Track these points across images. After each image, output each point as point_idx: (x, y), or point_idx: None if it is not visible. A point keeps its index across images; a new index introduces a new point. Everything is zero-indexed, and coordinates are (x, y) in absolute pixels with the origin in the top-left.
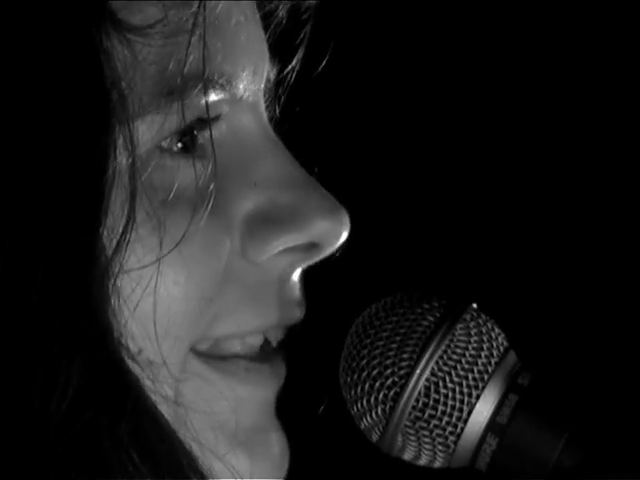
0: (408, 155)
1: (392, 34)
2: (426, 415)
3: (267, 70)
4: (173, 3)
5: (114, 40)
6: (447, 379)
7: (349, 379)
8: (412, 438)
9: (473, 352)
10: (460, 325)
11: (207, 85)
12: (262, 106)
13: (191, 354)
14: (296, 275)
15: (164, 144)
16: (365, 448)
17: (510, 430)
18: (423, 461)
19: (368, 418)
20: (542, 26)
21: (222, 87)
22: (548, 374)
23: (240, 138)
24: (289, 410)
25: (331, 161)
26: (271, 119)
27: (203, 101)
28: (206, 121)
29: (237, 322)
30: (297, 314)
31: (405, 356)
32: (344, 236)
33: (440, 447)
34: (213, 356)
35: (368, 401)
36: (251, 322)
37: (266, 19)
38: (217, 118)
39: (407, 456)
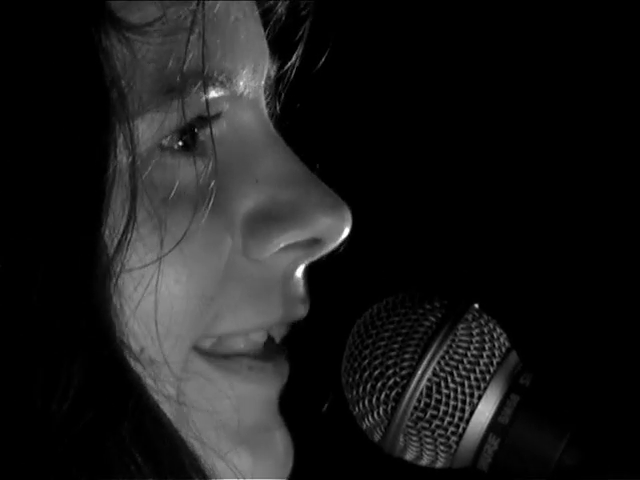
0: (410, 153)
1: (391, 29)
2: (428, 415)
3: (267, 67)
4: (171, 1)
5: (113, 39)
6: (449, 379)
7: (351, 379)
8: (414, 438)
9: (475, 352)
10: (462, 325)
11: (207, 82)
12: (263, 103)
13: (193, 353)
14: (299, 272)
15: (164, 142)
16: (367, 448)
17: (512, 430)
18: (425, 461)
19: (370, 418)
20: (542, 26)
21: (222, 84)
22: (550, 374)
23: (241, 135)
24: (291, 411)
25: (333, 158)
26: (272, 116)
27: (203, 99)
28: (206, 119)
29: (239, 320)
30: (301, 311)
31: (407, 356)
32: (346, 232)
33: (442, 447)
34: (216, 354)
35: (370, 401)
36: (253, 320)
37: (265, 16)
38: (217, 116)
39: (409, 456)
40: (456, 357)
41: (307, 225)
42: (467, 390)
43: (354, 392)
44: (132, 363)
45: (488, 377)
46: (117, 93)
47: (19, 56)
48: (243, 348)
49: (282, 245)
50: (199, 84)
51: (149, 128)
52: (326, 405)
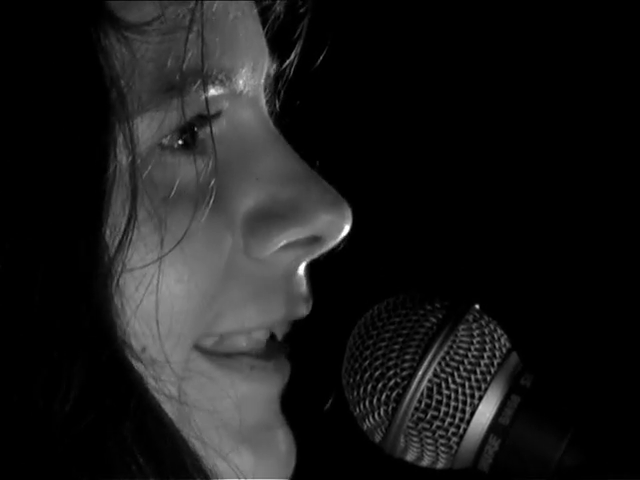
0: (411, 153)
1: (390, 26)
2: (429, 416)
3: (267, 65)
4: (170, 1)
5: (112, 38)
6: (450, 380)
7: (352, 380)
8: (415, 439)
9: (475, 353)
10: (462, 326)
11: (206, 81)
12: (262, 101)
13: (195, 352)
14: (301, 270)
15: (165, 141)
16: (368, 449)
17: (512, 431)
18: (426, 462)
19: (371, 419)
20: (542, 26)
21: (222, 83)
22: (550, 375)
23: (241, 133)
24: (291, 412)
25: (333, 156)
26: (271, 114)
27: (203, 97)
28: (206, 117)
29: (241, 319)
30: (304, 310)
31: (407, 357)
32: (346, 229)
33: (442, 448)
34: (217, 353)
35: (371, 402)
36: (256, 319)
37: (263, 14)
38: (217, 114)
39: (410, 457)
40: (457, 358)
41: (308, 223)
42: (468, 391)
43: (355, 393)
44: (133, 363)
45: (489, 378)
46: (116, 93)
47: (18, 57)
48: (245, 347)
49: (283, 243)
50: (199, 82)
51: (149, 127)
52: (328, 404)
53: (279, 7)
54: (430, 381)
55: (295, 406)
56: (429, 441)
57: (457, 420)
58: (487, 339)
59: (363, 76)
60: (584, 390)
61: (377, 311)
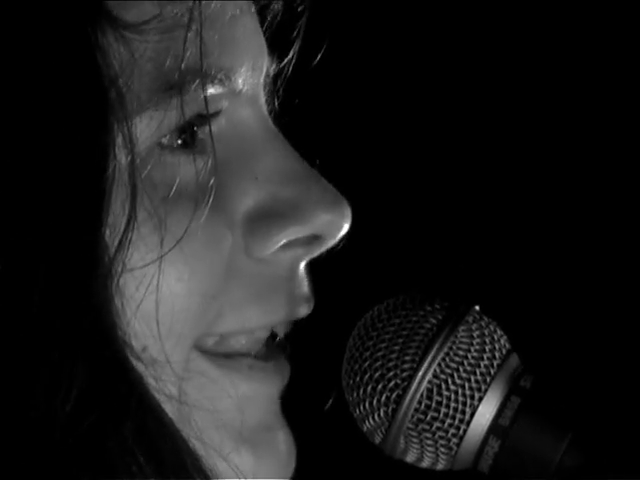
0: (411, 153)
1: (389, 24)
2: (428, 417)
3: (266, 64)
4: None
5: (110, 38)
6: (449, 381)
7: (351, 381)
8: (414, 440)
9: (475, 354)
10: (462, 327)
11: (205, 80)
12: (262, 99)
13: (195, 352)
14: (302, 270)
15: (164, 141)
16: (368, 450)
17: (512, 432)
18: (425, 463)
19: (371, 420)
20: (542, 26)
21: (221, 82)
22: (550, 376)
23: (240, 132)
24: (291, 413)
25: (333, 157)
26: (271, 112)
27: (202, 96)
28: (205, 116)
29: (242, 319)
30: (305, 310)
31: (407, 358)
32: (346, 228)
33: (442, 449)
34: (217, 354)
35: (371, 403)
36: (257, 319)
37: (262, 13)
38: (217, 113)
39: (410, 458)
40: (457, 359)
41: (307, 222)
42: (468, 392)
43: (355, 394)
44: (134, 363)
45: (489, 379)
46: (115, 92)
47: (16, 57)
48: (245, 344)
49: (283, 242)
50: (198, 81)
51: (148, 127)
52: (329, 404)
53: (277, 5)
54: (430, 382)
55: (295, 407)
56: (429, 442)
57: (457, 421)
58: (487, 340)
59: (362, 74)
60: (584, 391)
61: (377, 312)
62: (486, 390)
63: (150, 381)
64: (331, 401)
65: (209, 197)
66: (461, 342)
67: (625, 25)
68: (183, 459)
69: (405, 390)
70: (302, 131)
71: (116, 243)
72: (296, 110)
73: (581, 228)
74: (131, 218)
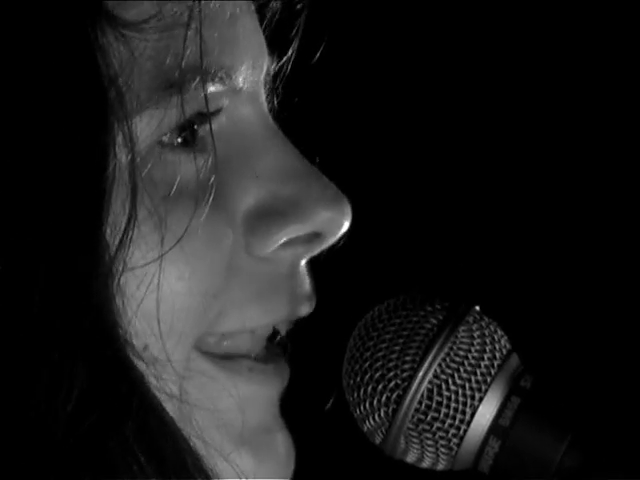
0: (411, 153)
1: (388, 21)
2: (429, 418)
3: (266, 62)
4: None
5: (109, 37)
6: (450, 382)
7: (352, 381)
8: (415, 440)
9: (476, 355)
10: (463, 327)
11: (206, 78)
12: (262, 97)
13: (195, 352)
14: (303, 268)
15: (164, 139)
16: (368, 450)
17: (513, 432)
18: (426, 463)
19: (371, 420)
20: (542, 26)
21: (221, 80)
22: (550, 377)
23: (240, 129)
24: (292, 413)
25: (334, 155)
26: (271, 110)
27: (202, 94)
28: (206, 115)
29: (243, 318)
30: (307, 308)
31: (408, 358)
32: (346, 225)
33: (443, 450)
34: (218, 355)
35: (371, 404)
36: (258, 318)
37: (261, 11)
38: (217, 111)
39: (410, 458)
40: (457, 359)
41: (308, 219)
42: (468, 392)
43: (355, 394)
44: (135, 361)
45: (489, 379)
46: (115, 92)
47: (16, 57)
48: (245, 346)
49: (283, 240)
50: (198, 80)
51: (148, 125)
52: (329, 404)
53: (276, 4)
54: (430, 382)
55: (296, 407)
56: (429, 442)
57: (457, 421)
58: (487, 340)
59: (362, 72)
60: (584, 391)
61: (377, 312)
62: (486, 390)
63: (151, 380)
64: (331, 401)
65: (209, 195)
66: (461, 342)
67: (625, 25)
68: (184, 458)
69: (405, 390)
70: (302, 129)
71: (117, 242)
72: (296, 108)
73: (581, 228)
74: (131, 217)
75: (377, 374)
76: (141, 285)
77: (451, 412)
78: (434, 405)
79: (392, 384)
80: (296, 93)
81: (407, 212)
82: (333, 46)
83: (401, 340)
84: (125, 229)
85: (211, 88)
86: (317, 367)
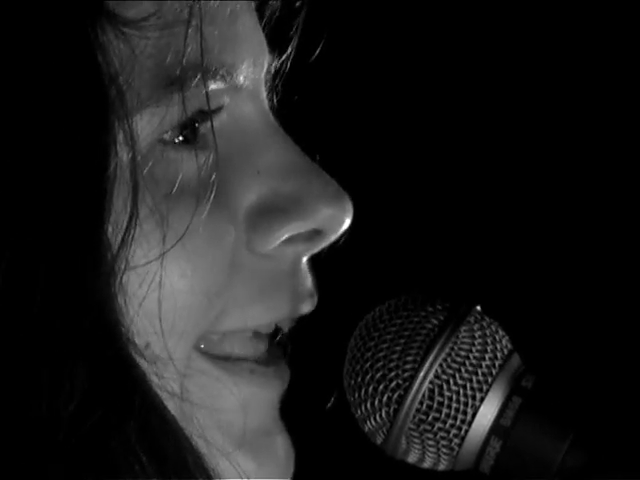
0: (412, 153)
1: (387, 18)
2: (430, 418)
3: (267, 60)
4: None
5: (110, 35)
6: (451, 382)
7: (353, 382)
8: (416, 441)
9: (477, 354)
10: (464, 327)
11: (207, 75)
12: (263, 94)
13: (196, 352)
14: (305, 265)
15: (165, 137)
16: (369, 451)
17: (514, 433)
18: (427, 464)
19: (372, 421)
20: (542, 26)
21: (222, 78)
22: (552, 376)
23: (242, 127)
24: (293, 413)
25: (334, 154)
26: (272, 107)
27: (203, 92)
28: (207, 112)
29: (245, 317)
30: (309, 306)
31: (409, 359)
32: (347, 222)
33: (444, 450)
34: (219, 357)
35: (372, 404)
36: (260, 317)
37: (260, 9)
38: (218, 109)
39: (411, 459)
40: (458, 360)
41: (309, 216)
42: (469, 392)
43: (356, 395)
44: (137, 359)
45: (490, 379)
46: (116, 90)
47: (16, 56)
48: (247, 346)
49: (285, 237)
50: (199, 77)
51: (149, 123)
52: (329, 404)
53: (275, 2)
54: (432, 383)
55: (297, 408)
56: (430, 443)
57: (458, 422)
58: (488, 340)
59: (363, 69)
60: (585, 391)
61: (378, 312)
62: (488, 390)
63: (152, 378)
64: (332, 402)
65: (211, 193)
66: (463, 342)
67: (625, 25)
68: (186, 458)
69: (407, 390)
70: (303, 127)
71: (118, 240)
72: (297, 106)
73: (581, 228)
74: (133, 215)
75: (378, 374)
76: (143, 283)
77: (452, 412)
78: (435, 405)
79: (393, 384)
80: (296, 91)
81: (408, 212)
82: (333, 43)
83: (402, 340)
84: (127, 227)
85: (212, 86)
86: (318, 368)
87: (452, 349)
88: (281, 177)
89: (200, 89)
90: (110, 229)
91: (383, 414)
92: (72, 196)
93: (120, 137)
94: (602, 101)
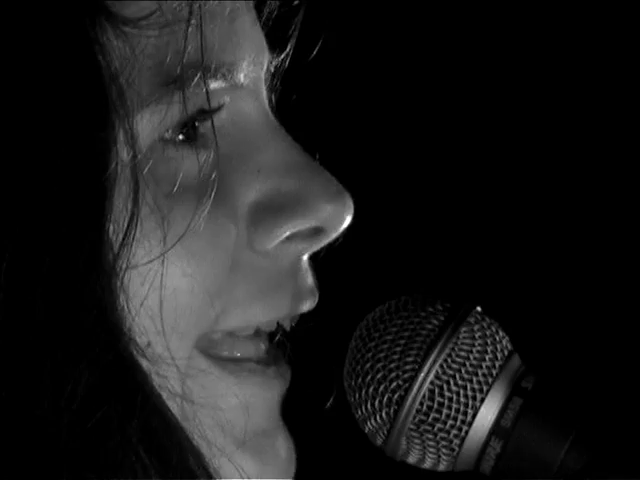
0: (412, 153)
1: (387, 17)
2: (430, 418)
3: (267, 59)
4: None
5: (110, 34)
6: (451, 382)
7: (353, 382)
8: (416, 441)
9: (477, 355)
10: (464, 328)
11: (207, 74)
12: (263, 93)
13: (197, 352)
14: (306, 263)
15: (166, 136)
16: (369, 451)
17: (514, 433)
18: (427, 464)
19: (372, 421)
20: (542, 26)
21: (223, 76)
22: (552, 377)
23: (242, 125)
24: (293, 413)
25: (335, 152)
26: (272, 106)
27: (204, 90)
28: (207, 111)
29: (246, 315)
30: (310, 304)
31: (409, 359)
32: (348, 220)
33: (444, 451)
34: (219, 358)
35: (372, 404)
36: (261, 315)
37: (259, 8)
38: (219, 108)
39: (411, 459)
40: (458, 360)
41: (310, 214)
42: (469, 393)
43: (356, 395)
44: (139, 359)
45: (490, 380)
46: (116, 89)
47: (16, 56)
48: (248, 346)
49: (286, 235)
50: (199, 76)
51: (149, 123)
52: (329, 404)
53: (274, 0)
54: (432, 383)
55: (297, 408)
56: (431, 443)
57: (459, 422)
58: (489, 341)
59: (362, 67)
60: (586, 392)
61: (379, 313)
62: (488, 391)
63: (154, 378)
64: (333, 402)
65: (212, 191)
66: (463, 343)
67: (625, 25)
68: (187, 457)
69: (407, 391)
70: (303, 125)
71: (120, 240)
72: (296, 104)
73: (582, 229)
74: (134, 214)
75: (379, 375)
76: (144, 283)
77: (453, 413)
78: (436, 406)
79: (394, 385)
80: (296, 89)
81: (408, 213)
82: (332, 42)
83: (402, 341)
84: (128, 227)
85: (212, 84)
86: (318, 368)
87: (452, 350)
88: (282, 175)
89: (200, 88)
90: (111, 228)
91: (383, 415)
92: (73, 196)
93: (121, 136)
94: (602, 101)
